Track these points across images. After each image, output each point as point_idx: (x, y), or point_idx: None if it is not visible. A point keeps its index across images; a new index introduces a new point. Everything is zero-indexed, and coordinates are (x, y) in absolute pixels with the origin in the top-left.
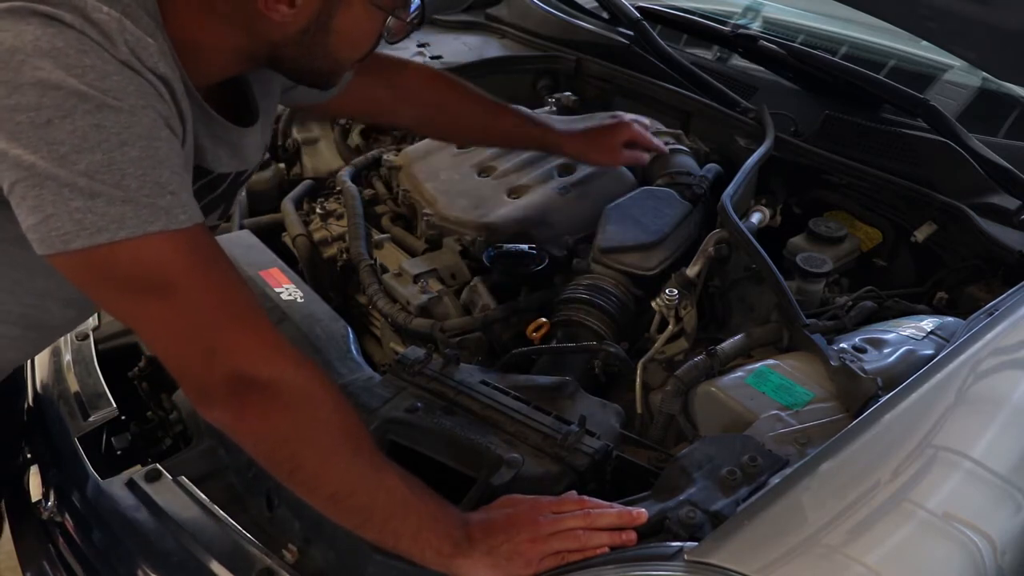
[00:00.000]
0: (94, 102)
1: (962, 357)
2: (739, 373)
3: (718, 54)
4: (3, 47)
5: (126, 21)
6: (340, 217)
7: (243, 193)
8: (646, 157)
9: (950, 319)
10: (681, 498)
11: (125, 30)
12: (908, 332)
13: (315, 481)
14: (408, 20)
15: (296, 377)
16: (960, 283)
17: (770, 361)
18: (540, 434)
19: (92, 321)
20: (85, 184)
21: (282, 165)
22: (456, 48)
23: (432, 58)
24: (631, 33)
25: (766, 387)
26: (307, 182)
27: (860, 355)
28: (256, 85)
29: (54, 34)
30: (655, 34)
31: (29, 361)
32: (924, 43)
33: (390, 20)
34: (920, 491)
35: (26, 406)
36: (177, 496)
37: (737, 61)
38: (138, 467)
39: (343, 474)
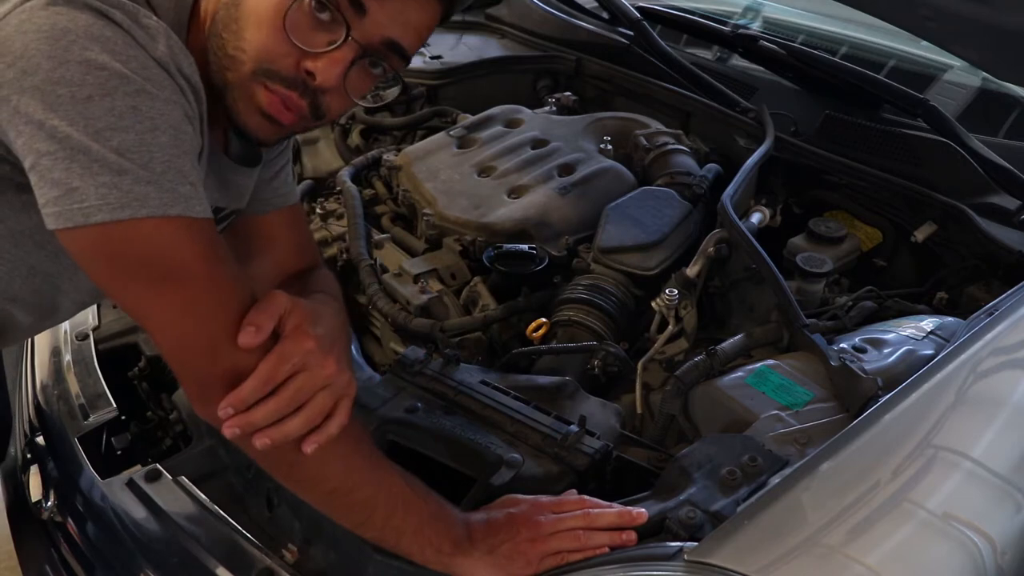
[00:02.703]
0: (135, 85)
1: (962, 357)
2: (739, 373)
3: (718, 54)
4: (57, 27)
5: (171, 31)
6: (340, 217)
7: None
8: None
9: (950, 319)
10: (681, 498)
11: (170, 36)
12: (908, 332)
13: (315, 479)
14: (314, 29)
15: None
16: (960, 283)
17: (770, 361)
18: (540, 434)
19: (92, 321)
20: (115, 160)
21: None
22: (456, 48)
23: (432, 58)
24: (631, 33)
25: (766, 387)
26: (307, 182)
27: (860, 355)
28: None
29: (104, 25)
30: (655, 34)
31: (28, 360)
32: (924, 43)
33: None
34: (920, 491)
35: (27, 406)
36: (177, 496)
37: (737, 61)
38: (138, 467)
39: (343, 471)
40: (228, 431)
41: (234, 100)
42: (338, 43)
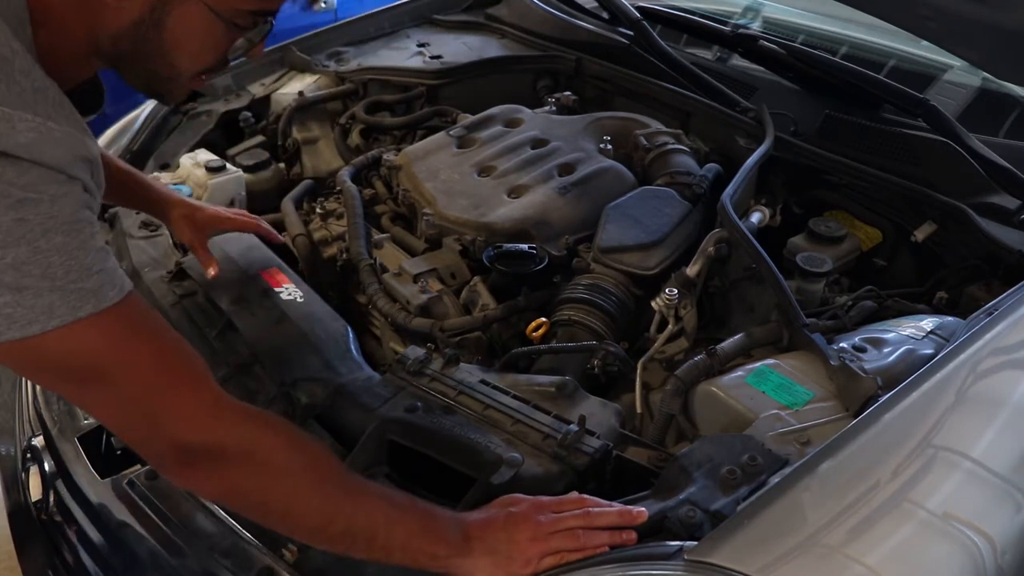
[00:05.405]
0: (12, 199)
1: (962, 357)
2: (739, 373)
3: (718, 54)
4: None
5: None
6: (340, 217)
7: (243, 193)
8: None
9: (950, 319)
10: (681, 498)
11: (33, 104)
12: (908, 332)
13: (291, 521)
14: (250, 39)
15: (241, 433)
16: (960, 283)
17: (770, 361)
18: (540, 434)
19: None
20: (12, 278)
21: (282, 165)
22: (456, 48)
23: (432, 58)
24: (631, 33)
25: (766, 387)
26: (307, 182)
27: (860, 355)
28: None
29: None
30: (655, 34)
31: None
32: (924, 43)
33: (238, 39)
34: (920, 491)
35: (27, 406)
36: (177, 496)
37: (737, 61)
38: (138, 467)
39: (316, 508)
40: None
41: (161, 82)
42: (265, 37)
